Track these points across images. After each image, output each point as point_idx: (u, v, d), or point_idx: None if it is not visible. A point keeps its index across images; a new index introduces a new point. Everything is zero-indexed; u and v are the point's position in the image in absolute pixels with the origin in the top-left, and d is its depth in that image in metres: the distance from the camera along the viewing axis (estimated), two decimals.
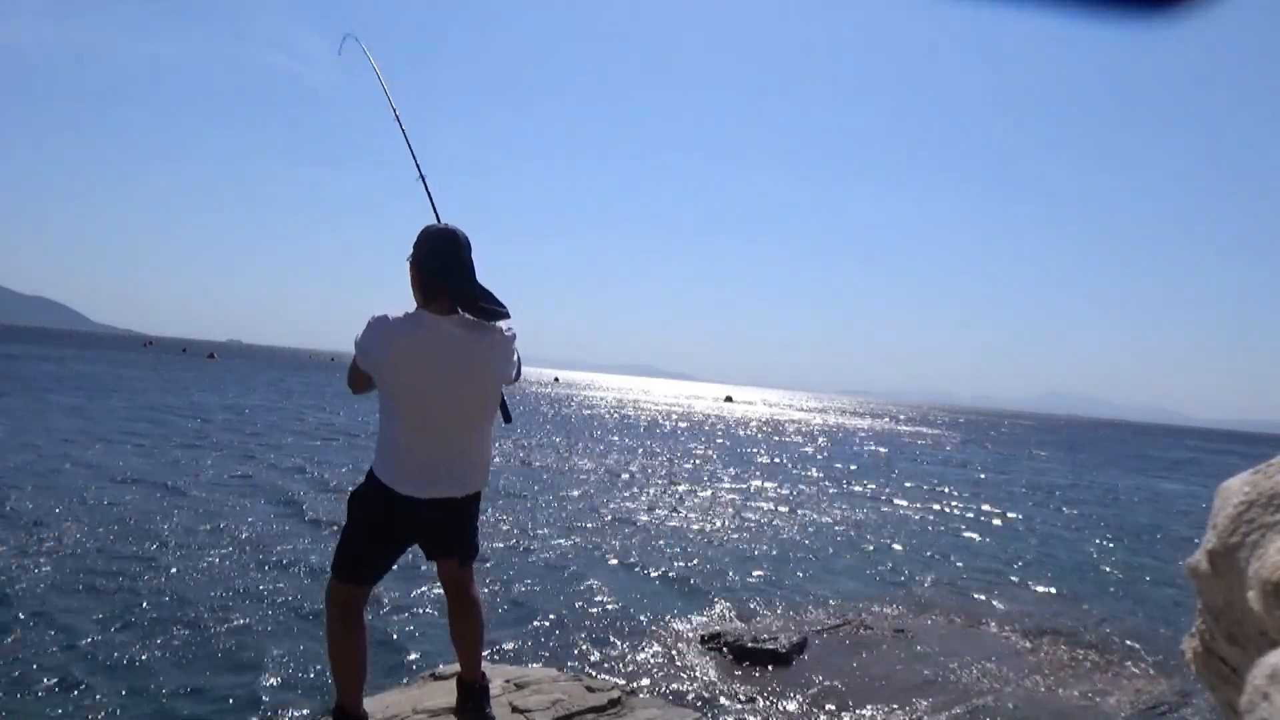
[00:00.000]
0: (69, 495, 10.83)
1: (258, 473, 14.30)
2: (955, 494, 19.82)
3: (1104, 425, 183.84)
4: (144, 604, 6.84)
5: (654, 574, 9.29)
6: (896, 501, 17.44)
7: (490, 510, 11.61)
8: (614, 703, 3.32)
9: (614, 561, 9.72)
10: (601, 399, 71.56)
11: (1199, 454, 58.61)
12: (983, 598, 9.40)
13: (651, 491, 15.95)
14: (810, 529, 13.07)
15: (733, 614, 7.92)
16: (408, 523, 2.70)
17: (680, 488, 16.86)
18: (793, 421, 59.06)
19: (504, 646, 6.42)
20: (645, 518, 12.82)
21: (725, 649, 6.63)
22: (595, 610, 7.71)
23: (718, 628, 7.18)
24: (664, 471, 19.64)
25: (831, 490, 18.59)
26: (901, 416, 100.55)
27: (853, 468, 24.85)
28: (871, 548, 11.90)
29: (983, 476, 25.75)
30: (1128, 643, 7.96)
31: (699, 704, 5.57)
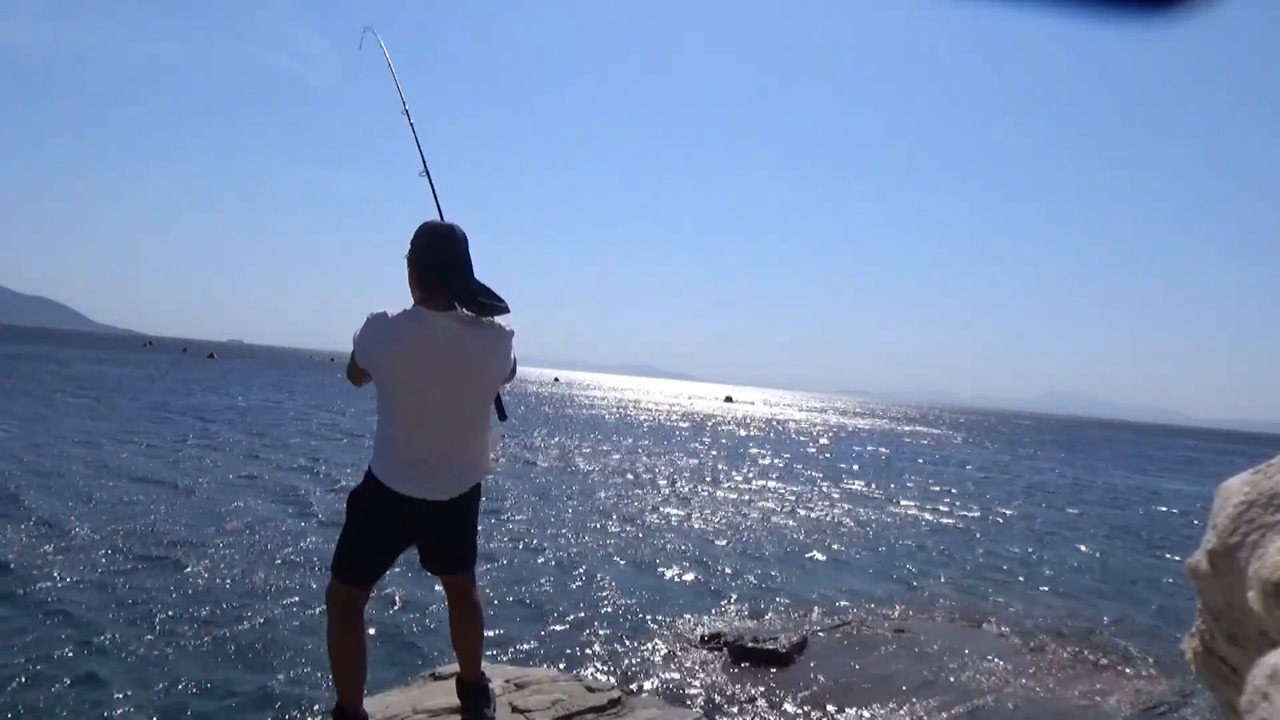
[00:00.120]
0: (81, 495, 10.88)
1: (265, 472, 14.31)
2: (955, 494, 19.82)
3: (1104, 425, 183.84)
4: (156, 602, 6.89)
5: (654, 574, 9.30)
6: (896, 501, 17.44)
7: (490, 510, 11.62)
8: (614, 703, 3.32)
9: (614, 561, 9.72)
10: (601, 399, 71.57)
11: (1199, 454, 58.62)
12: (983, 598, 9.40)
13: (651, 492, 15.95)
14: (810, 529, 13.07)
15: (733, 614, 7.92)
16: (406, 523, 2.69)
17: (680, 488, 16.86)
18: (793, 421, 59.06)
19: (504, 646, 6.42)
20: (645, 518, 12.82)
21: (725, 649, 6.63)
22: (595, 610, 7.71)
23: (718, 628, 7.18)
24: (664, 472, 19.64)
25: (831, 490, 18.59)
26: (901, 416, 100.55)
27: (853, 468, 24.85)
28: (872, 548, 11.90)
29: (983, 476, 25.75)
30: (1128, 643, 7.96)
31: (699, 704, 5.57)
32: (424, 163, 3.24)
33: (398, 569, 2.92)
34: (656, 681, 5.98)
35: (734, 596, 8.61)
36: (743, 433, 39.89)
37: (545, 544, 10.30)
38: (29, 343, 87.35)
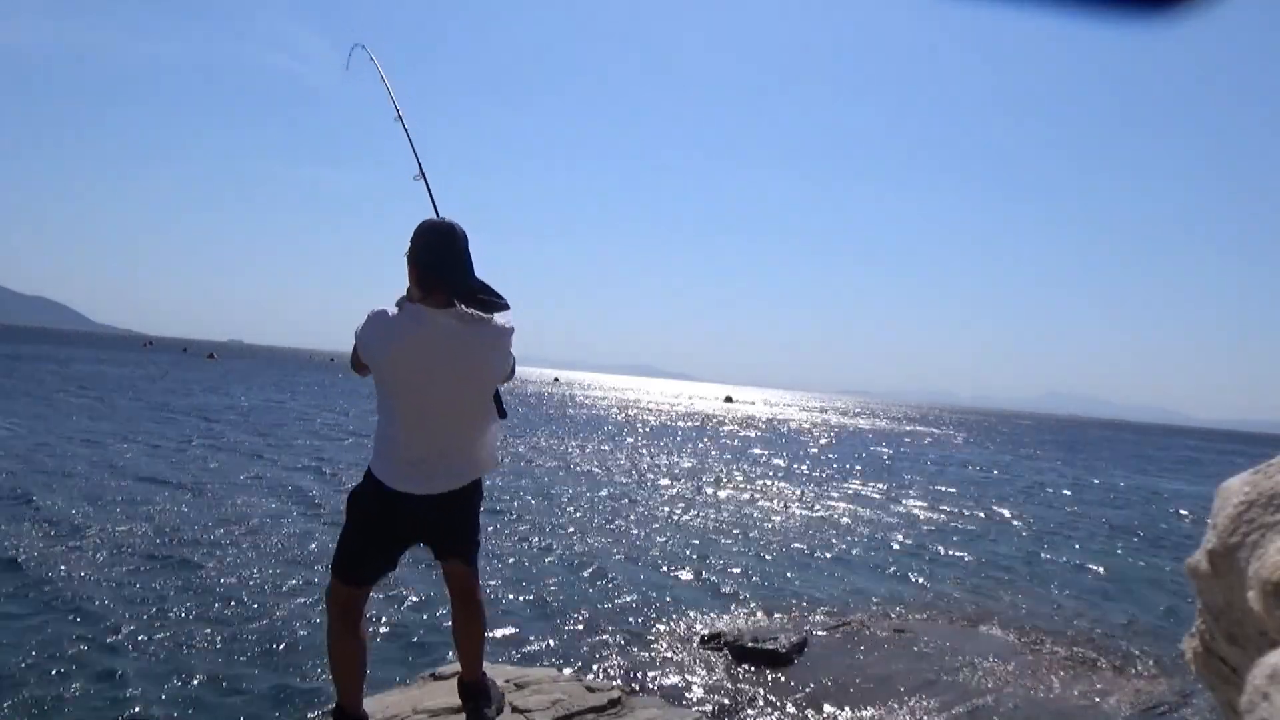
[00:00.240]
0: (90, 494, 10.92)
1: (272, 472, 14.34)
2: (955, 494, 19.82)
3: (1104, 425, 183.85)
4: (167, 600, 6.97)
5: (654, 574, 9.30)
6: (896, 501, 17.44)
7: (491, 510, 11.63)
8: (614, 703, 3.32)
9: (613, 561, 9.72)
10: (601, 399, 71.57)
11: (1199, 454, 58.62)
12: (983, 598, 9.40)
13: (651, 491, 15.95)
14: (810, 529, 13.07)
15: (733, 614, 7.92)
16: (406, 522, 2.69)
17: (680, 488, 16.86)
18: (793, 421, 59.06)
19: (504, 646, 6.42)
20: (644, 518, 12.82)
21: (725, 649, 6.62)
22: (596, 610, 7.71)
23: (718, 628, 7.18)
24: (664, 472, 19.64)
25: (831, 490, 18.59)
26: (902, 416, 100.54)
27: (852, 468, 24.85)
28: (872, 548, 11.90)
29: (983, 476, 25.76)
30: (1128, 643, 7.96)
31: (699, 704, 5.57)
32: (420, 166, 3.25)
33: (398, 569, 2.92)
34: (656, 681, 5.98)
35: (734, 596, 8.62)
36: (743, 433, 39.89)
37: (545, 544, 10.31)
38: (29, 343, 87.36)
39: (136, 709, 5.00)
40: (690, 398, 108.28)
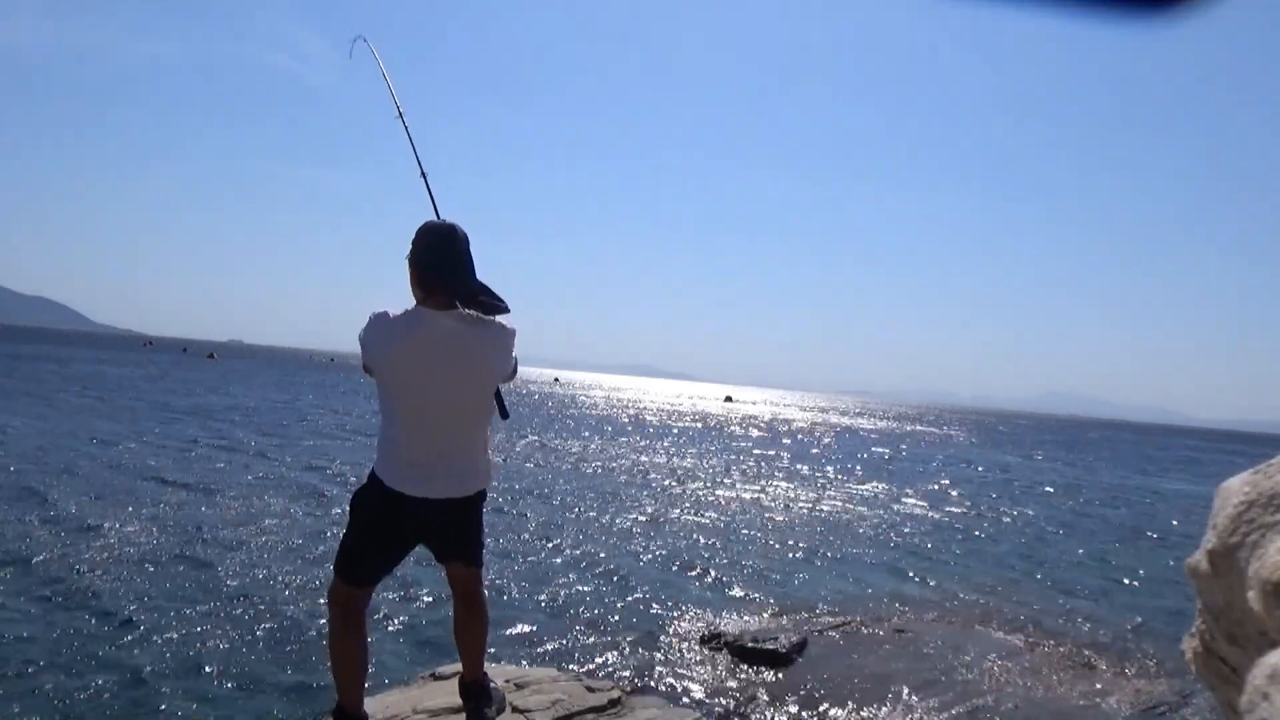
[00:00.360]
0: (100, 494, 11.02)
1: (279, 472, 14.39)
2: (955, 494, 19.82)
3: (1104, 425, 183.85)
4: (182, 598, 7.05)
5: (654, 574, 9.30)
6: (896, 501, 17.44)
7: (490, 510, 11.63)
8: (614, 703, 3.32)
9: (614, 561, 9.71)
10: (601, 399, 71.57)
11: (1199, 454, 58.62)
12: (983, 598, 9.40)
13: (651, 491, 15.95)
14: (809, 529, 13.07)
15: (733, 614, 7.92)
16: (409, 524, 2.70)
17: (680, 488, 16.86)
18: (793, 421, 59.06)
19: (505, 646, 6.42)
20: (645, 518, 12.82)
21: (725, 649, 6.63)
22: (596, 610, 7.71)
23: (718, 628, 7.18)
24: (664, 472, 19.64)
25: (831, 490, 18.59)
26: (902, 416, 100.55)
27: (852, 467, 24.85)
28: (872, 547, 11.90)
29: (983, 476, 25.75)
30: (1128, 643, 7.97)
31: (699, 704, 5.57)
32: (420, 166, 3.25)
33: (400, 570, 2.92)
34: (656, 681, 5.99)
35: (734, 596, 8.62)
36: (743, 432, 39.89)
37: (545, 544, 10.31)
38: (29, 343, 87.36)
39: (151, 703, 5.07)
40: (690, 398, 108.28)
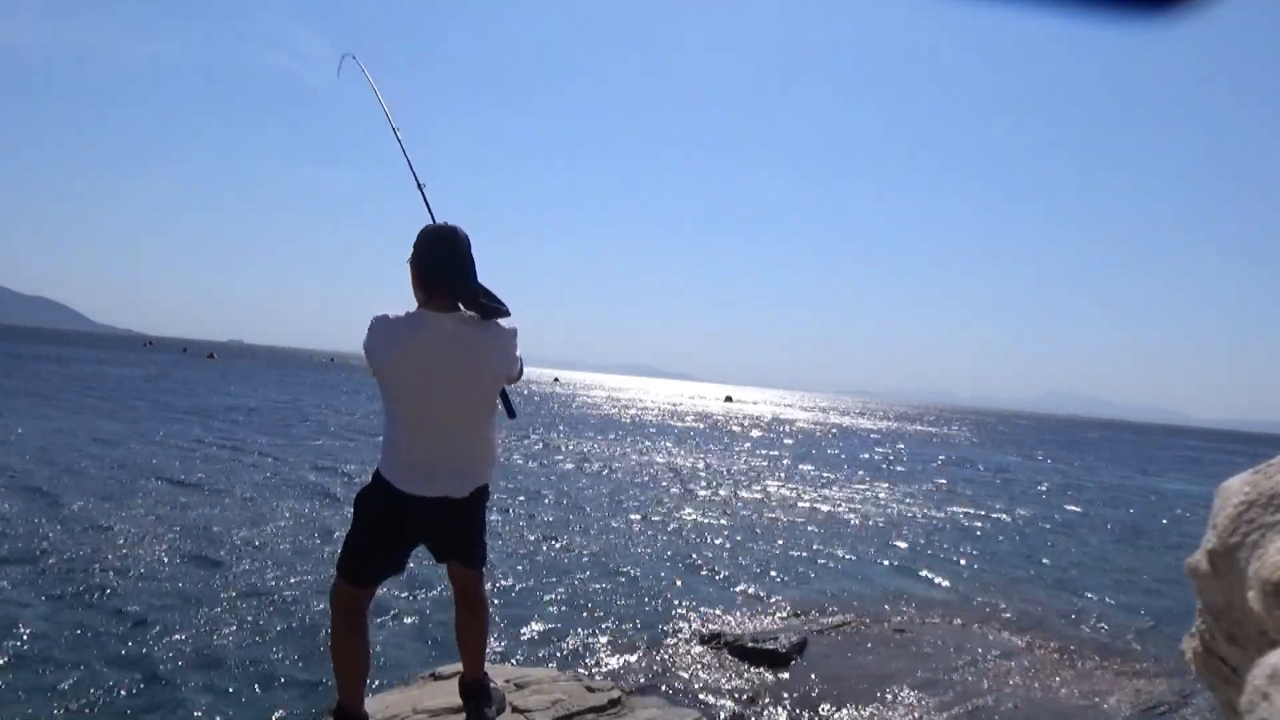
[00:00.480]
0: (108, 493, 11.04)
1: (287, 472, 14.42)
2: (955, 494, 19.82)
3: (1104, 425, 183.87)
4: (197, 597, 7.08)
5: (654, 573, 9.29)
6: (896, 501, 17.45)
7: (491, 510, 11.64)
8: (614, 703, 3.33)
9: (613, 561, 9.71)
10: (601, 399, 71.57)
11: (1199, 454, 58.62)
12: (983, 597, 9.40)
13: (650, 491, 15.95)
14: (809, 528, 13.07)
15: (733, 614, 7.92)
16: (412, 524, 2.71)
17: (679, 488, 16.86)
18: (793, 421, 59.06)
19: (504, 646, 6.43)
20: (645, 518, 12.82)
21: (725, 649, 6.63)
22: (596, 610, 7.71)
23: (718, 628, 7.18)
24: (663, 472, 19.64)
25: (831, 489, 18.59)
26: (902, 416, 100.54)
27: (852, 467, 24.85)
28: (872, 547, 11.90)
29: (983, 476, 25.76)
30: (1128, 643, 7.97)
31: (699, 704, 5.57)
32: (416, 179, 3.25)
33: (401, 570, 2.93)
34: (656, 681, 5.98)
35: (734, 596, 8.61)
36: (743, 432, 39.89)
37: (544, 544, 10.31)
38: (29, 343, 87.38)
39: (165, 698, 5.15)
40: (690, 398, 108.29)
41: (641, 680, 5.96)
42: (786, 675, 6.23)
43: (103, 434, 17.13)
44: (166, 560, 8.12)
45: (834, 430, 49.94)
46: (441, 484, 2.66)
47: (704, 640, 6.87)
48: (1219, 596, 1.54)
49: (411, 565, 2.91)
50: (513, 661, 5.87)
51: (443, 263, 2.64)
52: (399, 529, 2.71)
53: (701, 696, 5.76)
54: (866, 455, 30.76)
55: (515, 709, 3.12)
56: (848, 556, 11.15)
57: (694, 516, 13.32)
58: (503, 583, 8.29)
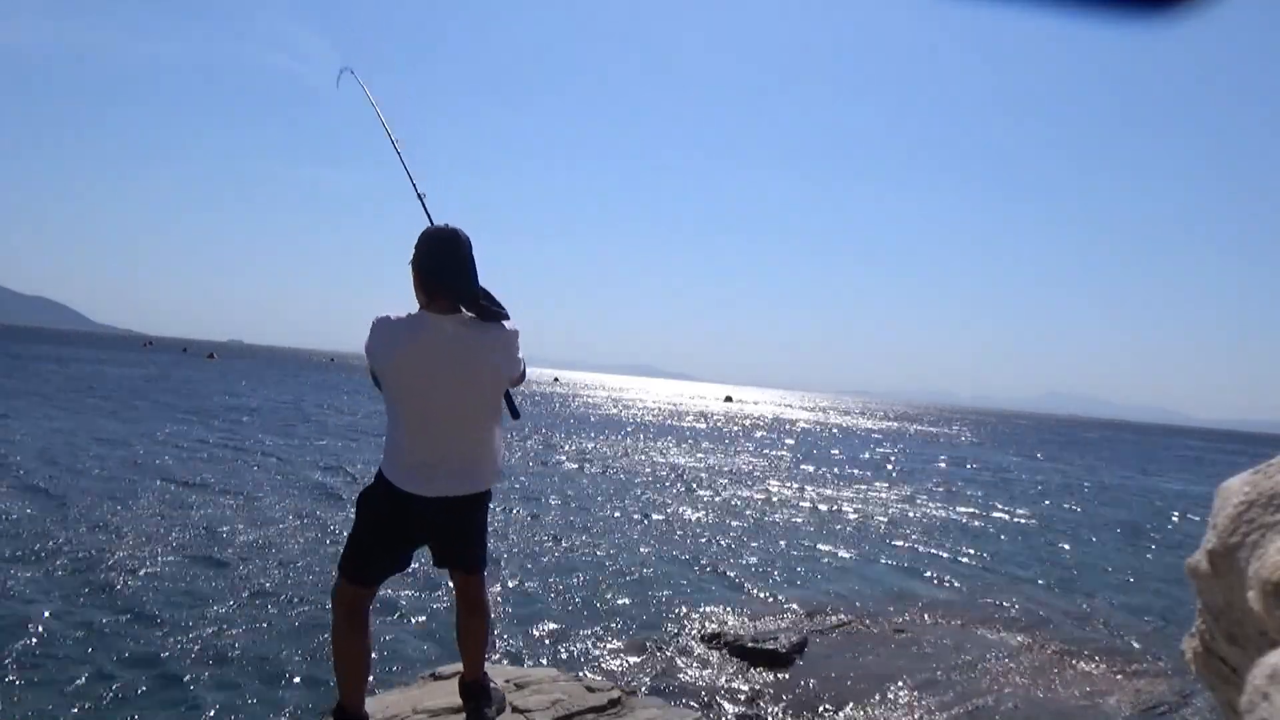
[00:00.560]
0: (117, 493, 11.07)
1: (293, 471, 14.46)
2: (955, 494, 19.83)
3: (1104, 425, 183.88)
4: (201, 596, 7.13)
5: (654, 574, 9.29)
6: (896, 501, 17.45)
7: (492, 510, 11.65)
8: (614, 703, 3.33)
9: (614, 561, 9.72)
10: (601, 399, 71.57)
11: (1199, 454, 58.62)
12: (983, 598, 9.40)
13: (650, 491, 15.95)
14: (810, 528, 13.07)
15: (733, 614, 7.92)
16: (415, 524, 2.71)
17: (679, 488, 16.86)
18: (793, 421, 59.06)
19: (504, 646, 6.43)
20: (644, 518, 12.82)
21: (725, 649, 6.63)
22: (596, 610, 7.71)
23: (718, 628, 7.18)
24: (663, 472, 19.64)
25: (830, 489, 18.59)
26: (902, 416, 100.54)
27: (852, 467, 24.85)
28: (871, 547, 11.90)
29: (982, 476, 25.76)
30: (1128, 643, 7.97)
31: (699, 704, 5.57)
32: (416, 189, 3.26)
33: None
34: (656, 681, 5.98)
35: (734, 596, 8.61)
36: (742, 432, 39.89)
37: (545, 544, 10.31)
38: (29, 343, 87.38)
39: (177, 695, 5.22)
40: (690, 398, 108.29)
41: (641, 680, 5.96)
42: (786, 675, 6.23)
43: (106, 434, 17.13)
44: (173, 560, 8.14)
45: (834, 430, 49.94)
46: (442, 485, 2.67)
47: (704, 640, 6.87)
48: (1219, 596, 1.54)
49: (412, 566, 2.92)
50: (513, 662, 5.87)
51: (443, 265, 2.65)
52: (401, 529, 2.72)
53: (701, 696, 5.76)
54: (866, 455, 30.76)
55: (515, 709, 3.12)
56: (848, 556, 11.15)
57: (693, 516, 13.32)
58: (503, 582, 8.29)
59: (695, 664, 6.40)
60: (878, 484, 20.61)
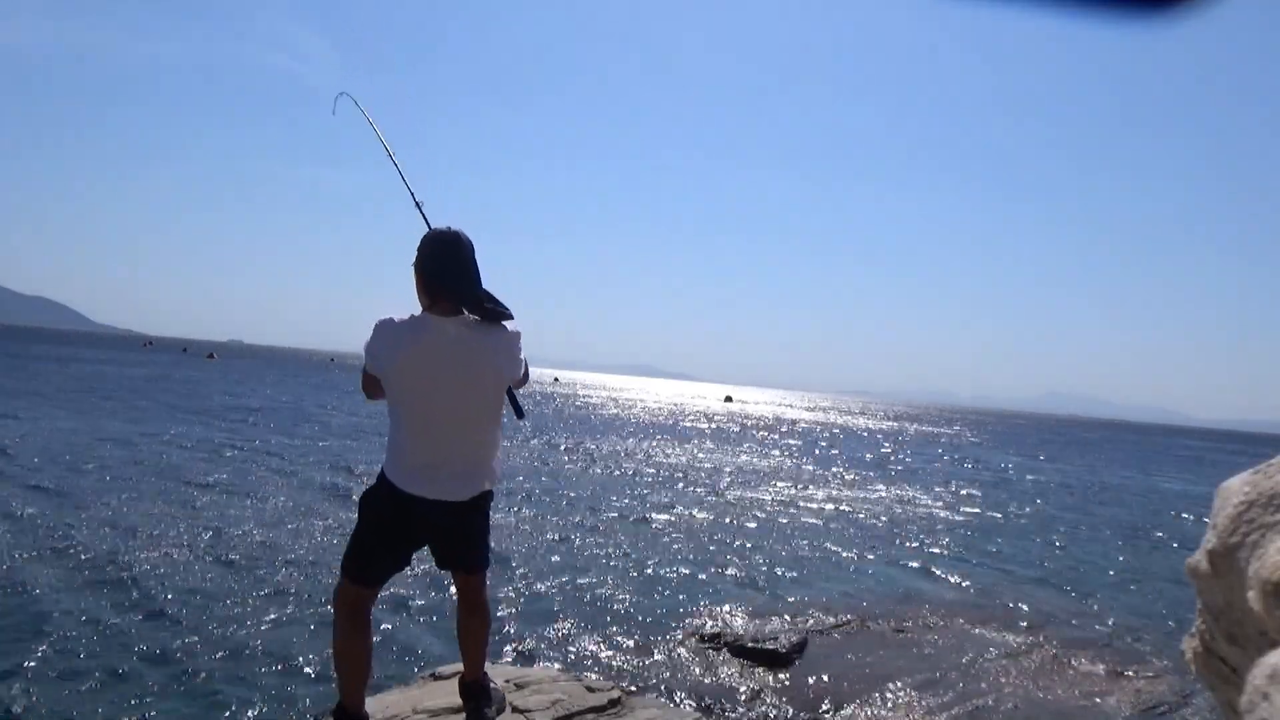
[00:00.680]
0: (125, 495, 11.09)
1: (299, 470, 14.49)
2: (955, 494, 19.83)
3: (1104, 425, 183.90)
4: (217, 595, 7.17)
5: (654, 574, 9.29)
6: (896, 501, 17.45)
7: (492, 510, 11.66)
8: (614, 703, 3.33)
9: (613, 561, 9.72)
10: (601, 399, 71.58)
11: (1199, 454, 58.63)
12: (983, 597, 9.40)
13: (650, 491, 15.95)
14: (809, 528, 13.07)
15: (733, 614, 7.92)
16: (418, 525, 2.72)
17: (679, 488, 16.86)
18: (793, 421, 59.06)
19: (504, 646, 6.43)
20: (644, 518, 12.81)
21: (725, 649, 6.63)
22: (595, 610, 7.71)
23: (718, 628, 7.18)
24: (662, 471, 19.64)
25: (831, 489, 18.59)
26: (902, 416, 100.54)
27: (852, 467, 24.85)
28: (872, 547, 11.90)
29: (982, 476, 25.76)
30: (1128, 643, 7.97)
31: (699, 704, 5.57)
32: (414, 197, 3.26)
33: (403, 570, 2.94)
34: (656, 681, 5.98)
35: (734, 596, 8.61)
36: (742, 432, 39.89)
37: (545, 544, 10.31)
38: (29, 342, 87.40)
39: (191, 691, 5.29)
40: (690, 398, 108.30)
41: (641, 680, 5.96)
42: (786, 675, 6.24)
43: (111, 434, 17.15)
44: (183, 558, 8.20)
45: (834, 430, 49.94)
46: (445, 486, 2.68)
47: (704, 640, 6.87)
48: (1219, 596, 1.54)
49: (412, 566, 2.93)
50: (513, 662, 5.87)
51: (445, 267, 2.67)
52: (404, 530, 2.74)
53: (701, 696, 5.76)
54: (866, 455, 30.77)
55: (515, 709, 3.12)
56: (848, 556, 11.15)
57: (693, 517, 13.32)
58: (504, 583, 8.29)
59: (695, 664, 6.40)
60: (878, 484, 20.61)
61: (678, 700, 5.54)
